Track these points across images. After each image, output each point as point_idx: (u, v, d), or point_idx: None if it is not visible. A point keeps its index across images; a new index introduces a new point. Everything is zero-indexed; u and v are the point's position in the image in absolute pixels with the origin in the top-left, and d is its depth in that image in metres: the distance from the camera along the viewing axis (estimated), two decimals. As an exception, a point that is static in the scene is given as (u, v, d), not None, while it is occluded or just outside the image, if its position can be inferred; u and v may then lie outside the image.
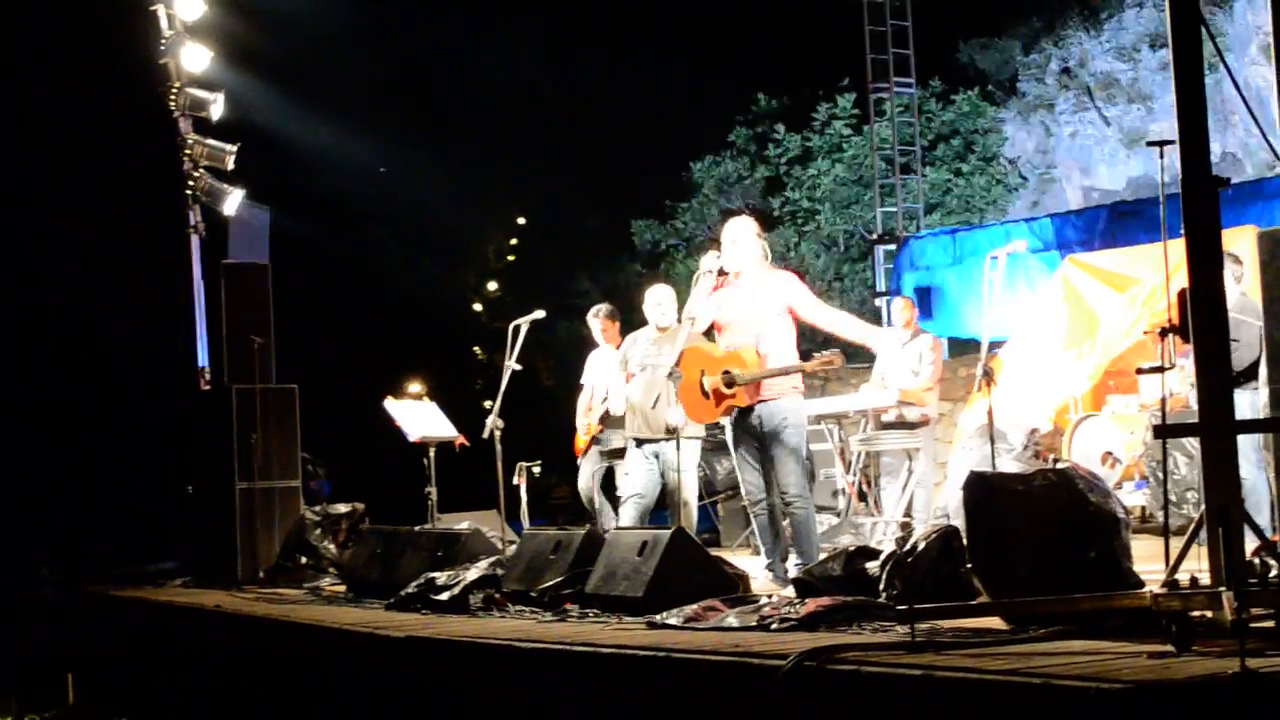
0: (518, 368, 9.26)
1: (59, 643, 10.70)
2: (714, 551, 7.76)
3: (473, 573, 7.60)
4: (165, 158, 11.85)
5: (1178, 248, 5.17)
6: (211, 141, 11.73)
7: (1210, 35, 5.19)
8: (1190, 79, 4.99)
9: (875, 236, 19.91)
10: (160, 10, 11.66)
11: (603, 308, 10.54)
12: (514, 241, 28.70)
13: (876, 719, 4.37)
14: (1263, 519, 8.36)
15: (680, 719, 5.10)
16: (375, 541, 9.01)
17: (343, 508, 10.16)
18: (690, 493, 8.43)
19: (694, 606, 6.18)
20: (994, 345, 9.72)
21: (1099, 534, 5.27)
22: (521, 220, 28.44)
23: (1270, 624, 4.60)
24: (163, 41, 11.68)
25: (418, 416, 10.28)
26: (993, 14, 23.37)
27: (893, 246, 18.66)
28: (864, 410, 10.94)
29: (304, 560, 9.85)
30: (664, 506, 8.67)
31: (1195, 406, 5.19)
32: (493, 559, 7.86)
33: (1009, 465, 10.58)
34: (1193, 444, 9.38)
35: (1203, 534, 4.81)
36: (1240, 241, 9.19)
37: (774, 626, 5.64)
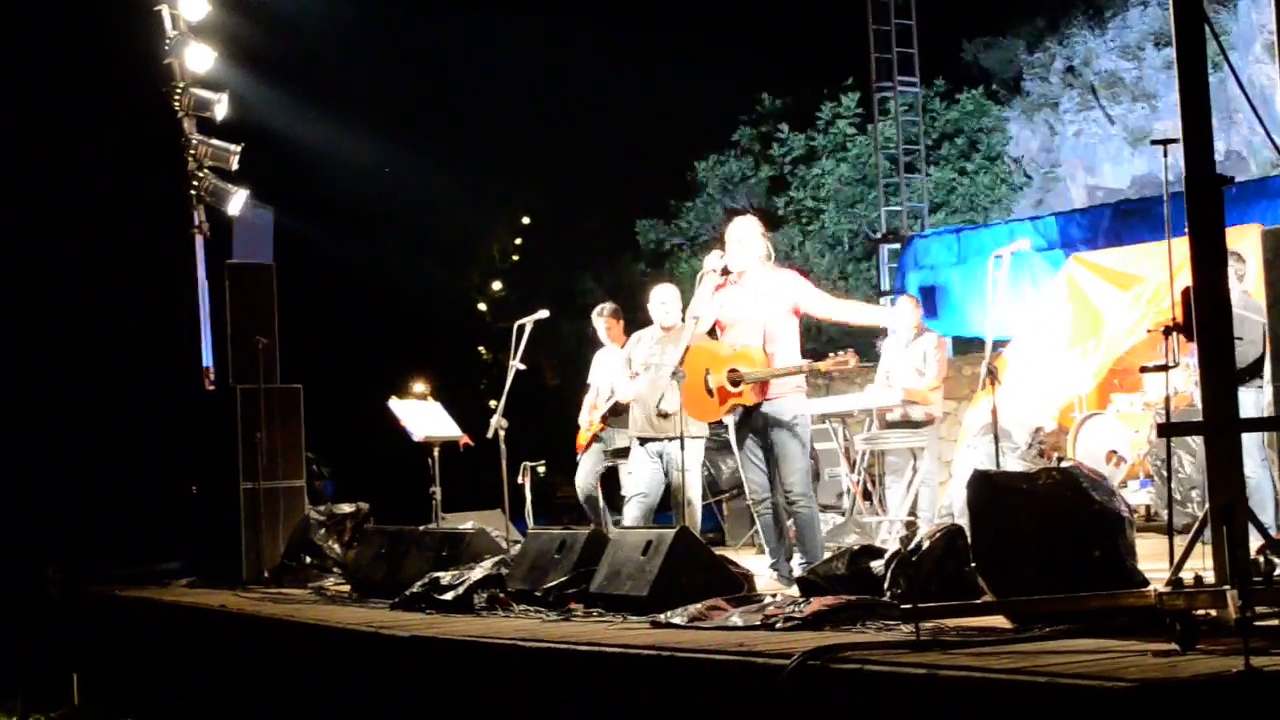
0: (522, 367, 9.27)
1: (64, 643, 10.70)
2: (718, 551, 7.75)
3: (477, 572, 7.60)
4: (169, 158, 11.85)
5: (1182, 246, 5.17)
6: (215, 141, 11.73)
7: (1214, 33, 5.20)
8: (1194, 77, 5.00)
9: (879, 236, 19.90)
10: (164, 10, 11.67)
11: (607, 306, 10.55)
12: (518, 241, 28.69)
13: (881, 718, 4.37)
14: (1267, 517, 8.36)
15: (685, 718, 5.10)
16: (380, 541, 9.01)
17: (347, 507, 10.17)
18: (694, 492, 8.43)
19: (698, 606, 6.18)
20: (998, 344, 9.71)
21: (1103, 533, 5.27)
22: (526, 220, 28.43)
23: (1275, 622, 4.60)
24: (167, 41, 11.68)
25: (422, 416, 10.29)
26: (997, 13, 23.34)
27: (897, 246, 18.65)
28: (868, 409, 10.94)
29: (308, 560, 9.86)
30: (668, 506, 8.67)
31: (1199, 405, 5.19)
32: (497, 559, 7.86)
33: (1013, 464, 10.59)
34: (1197, 442, 9.38)
35: (1207, 532, 4.82)
36: (1244, 240, 9.19)
37: (778, 626, 5.64)
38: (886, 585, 6.01)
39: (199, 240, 11.83)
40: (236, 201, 11.58)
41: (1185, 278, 5.05)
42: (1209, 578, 4.70)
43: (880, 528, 10.47)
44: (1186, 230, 5.00)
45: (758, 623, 5.78)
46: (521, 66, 23.24)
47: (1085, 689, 3.83)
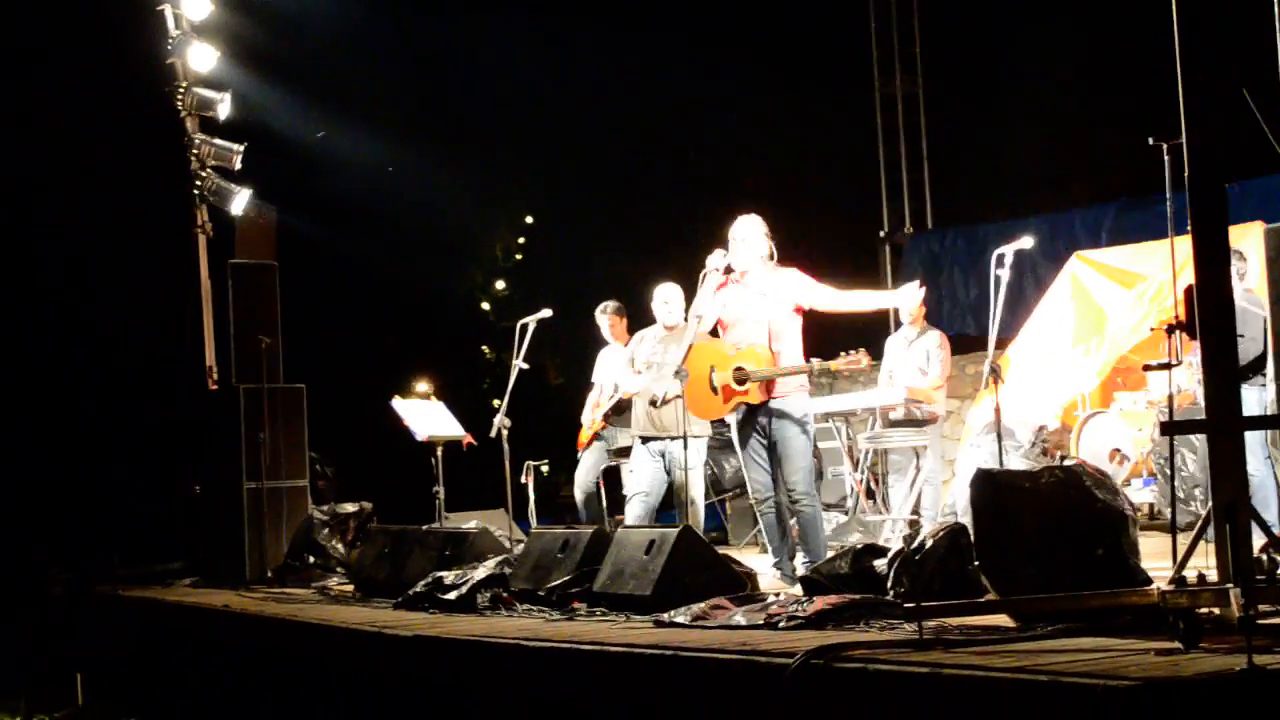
0: (525, 367, 9.28)
1: (68, 643, 10.71)
2: (721, 550, 7.77)
3: (480, 572, 7.61)
4: (172, 157, 11.85)
5: (1185, 244, 5.18)
6: (218, 141, 11.74)
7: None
8: (1195, 77, 5.00)
9: (882, 234, 19.88)
10: (167, 10, 11.68)
11: (610, 304, 10.55)
12: (522, 240, 28.67)
13: (884, 717, 4.37)
14: (1270, 515, 8.36)
15: (688, 717, 5.10)
16: (383, 541, 9.02)
17: (350, 507, 10.17)
18: (697, 491, 8.45)
19: (701, 605, 6.19)
20: (1001, 342, 9.70)
21: (1106, 531, 5.27)
22: (529, 219, 28.41)
23: (1278, 620, 4.60)
24: (170, 41, 11.69)
25: (425, 415, 10.29)
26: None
27: (899, 244, 18.64)
28: (872, 408, 10.94)
29: (312, 560, 9.86)
30: (671, 505, 8.68)
31: (1203, 403, 5.19)
32: (500, 558, 7.87)
33: (1016, 462, 10.58)
34: (1200, 440, 9.38)
35: (1210, 530, 4.81)
36: (1247, 238, 9.19)
37: (781, 625, 5.64)
38: (890, 584, 6.01)
39: (202, 240, 11.84)
40: (239, 201, 11.58)
41: (1188, 276, 5.06)
42: (1212, 576, 4.70)
43: (883, 526, 10.47)
44: (1189, 228, 5.01)
45: (761, 622, 5.78)
46: (524, 66, 23.22)
47: (1088, 688, 3.83)
